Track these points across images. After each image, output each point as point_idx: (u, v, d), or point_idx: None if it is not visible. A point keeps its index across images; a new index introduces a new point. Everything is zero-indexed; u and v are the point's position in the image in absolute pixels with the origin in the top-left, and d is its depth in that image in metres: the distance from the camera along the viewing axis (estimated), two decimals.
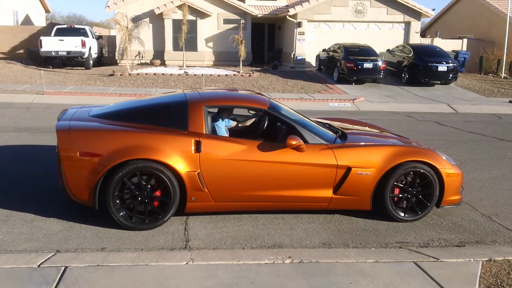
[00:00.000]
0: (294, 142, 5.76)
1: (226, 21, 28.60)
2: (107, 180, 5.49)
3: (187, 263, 4.73)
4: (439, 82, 23.76)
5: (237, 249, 5.32)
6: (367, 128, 7.71)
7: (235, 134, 6.80)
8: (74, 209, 6.09)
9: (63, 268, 4.49)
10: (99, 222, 5.77)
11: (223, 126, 6.45)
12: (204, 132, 5.82)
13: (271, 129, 6.83)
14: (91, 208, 5.66)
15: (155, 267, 4.62)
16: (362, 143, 6.38)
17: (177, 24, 26.54)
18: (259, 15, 29.39)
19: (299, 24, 27.63)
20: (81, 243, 5.26)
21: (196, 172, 5.64)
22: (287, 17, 27.74)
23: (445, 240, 5.82)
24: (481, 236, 6.00)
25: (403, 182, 6.20)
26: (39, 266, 4.53)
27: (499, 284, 4.54)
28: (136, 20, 27.55)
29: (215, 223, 5.99)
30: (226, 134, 6.43)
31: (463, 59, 27.54)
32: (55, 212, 6.07)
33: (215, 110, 6.69)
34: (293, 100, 17.97)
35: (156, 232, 5.62)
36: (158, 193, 5.63)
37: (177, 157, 5.57)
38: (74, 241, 5.31)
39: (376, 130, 7.67)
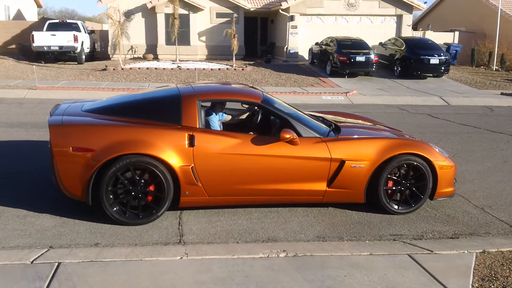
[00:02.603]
0: (287, 136, 5.75)
1: (219, 15, 28.52)
2: (100, 175, 5.46)
3: (181, 257, 4.72)
4: (431, 74, 23.84)
5: (232, 243, 5.31)
6: (360, 121, 7.72)
7: (229, 127, 6.78)
8: (67, 204, 6.06)
9: (57, 264, 4.47)
10: (92, 217, 5.74)
11: (216, 120, 6.44)
12: (197, 126, 5.79)
13: (265, 122, 6.81)
14: (84, 203, 5.64)
15: (149, 262, 4.60)
16: (356, 136, 6.37)
17: (169, 18, 26.35)
18: (251, 9, 29.32)
19: (291, 18, 27.59)
20: (74, 239, 5.24)
21: (190, 167, 5.63)
22: (280, 10, 27.70)
23: (439, 232, 5.83)
24: (474, 228, 6.02)
25: (397, 175, 6.20)
26: (32, 262, 4.50)
27: (493, 275, 4.55)
28: (129, 14, 27.43)
29: (209, 217, 5.97)
30: (219, 128, 6.41)
31: (454, 51, 27.59)
32: (48, 207, 6.04)
33: (208, 104, 6.67)
34: (286, 94, 17.96)
35: (150, 227, 5.60)
36: (151, 188, 5.61)
37: (171, 152, 5.55)
38: (68, 236, 5.29)
39: (369, 123, 7.67)
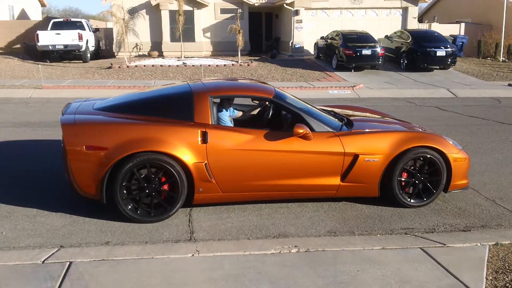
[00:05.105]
0: (301, 131, 5.72)
1: (223, 11, 28.46)
2: (114, 174, 5.44)
3: (192, 255, 4.69)
4: (437, 67, 23.73)
5: (243, 239, 5.28)
6: (369, 114, 7.68)
7: (240, 124, 6.75)
8: (76, 203, 6.06)
9: (68, 263, 4.45)
10: (102, 216, 5.74)
11: (227, 116, 6.39)
12: (210, 123, 5.77)
13: (276, 118, 6.79)
14: (94, 201, 5.63)
15: (160, 260, 4.58)
16: (369, 130, 6.33)
17: (174, 15, 26.38)
18: (256, 4, 29.22)
19: (296, 12, 27.50)
20: (84, 238, 5.22)
21: (203, 163, 5.60)
22: (284, 5, 27.59)
23: (450, 225, 5.79)
24: (486, 220, 5.97)
25: (411, 168, 6.16)
26: (43, 262, 4.49)
27: (507, 268, 4.50)
28: (133, 12, 27.43)
29: (219, 214, 5.95)
30: (230, 124, 6.37)
31: (461, 43, 27.47)
32: (58, 207, 6.03)
33: (218, 100, 6.63)
34: (292, 89, 17.90)
35: (160, 225, 5.58)
36: (166, 186, 5.60)
37: (184, 149, 5.53)
38: (78, 235, 5.28)
39: (377, 116, 7.64)
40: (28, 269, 4.36)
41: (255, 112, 7.36)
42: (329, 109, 7.39)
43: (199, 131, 5.65)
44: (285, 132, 5.93)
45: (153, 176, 5.52)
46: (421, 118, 12.70)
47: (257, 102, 7.28)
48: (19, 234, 5.29)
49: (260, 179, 5.84)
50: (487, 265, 4.57)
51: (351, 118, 6.84)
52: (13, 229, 5.42)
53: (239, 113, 7.30)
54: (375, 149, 6.01)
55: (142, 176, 5.52)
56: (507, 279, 4.31)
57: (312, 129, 5.92)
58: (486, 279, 4.31)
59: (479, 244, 5.02)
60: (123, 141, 5.44)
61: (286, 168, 5.86)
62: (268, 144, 5.78)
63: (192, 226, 5.59)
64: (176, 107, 5.98)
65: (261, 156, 5.76)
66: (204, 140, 5.62)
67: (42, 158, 8.30)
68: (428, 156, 6.10)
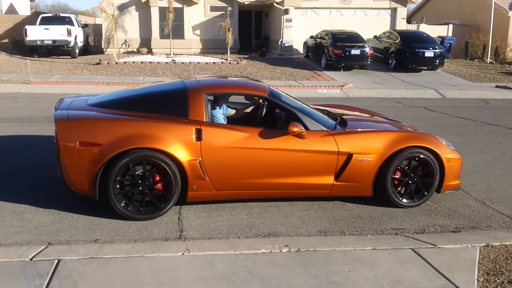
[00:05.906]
0: (296, 129, 5.71)
1: (213, 9, 28.37)
2: (107, 170, 5.38)
3: (183, 253, 4.65)
4: (426, 68, 23.88)
5: (233, 238, 5.24)
6: (357, 113, 7.70)
7: (233, 122, 6.72)
8: (65, 200, 5.99)
9: (56, 261, 4.38)
10: (91, 213, 5.67)
11: (220, 114, 6.35)
12: (204, 120, 5.73)
13: (270, 116, 6.77)
14: (83, 198, 5.56)
15: (150, 258, 4.52)
16: (363, 129, 6.33)
17: (163, 11, 26.22)
18: (246, 2, 29.13)
19: (286, 11, 27.47)
20: (73, 235, 5.15)
21: (198, 161, 5.56)
22: (274, 4, 27.55)
23: (440, 226, 5.80)
24: (476, 221, 5.99)
25: (405, 167, 6.16)
26: (31, 259, 4.42)
27: (498, 269, 4.51)
28: (122, 8, 27.26)
29: (209, 212, 5.91)
30: (224, 122, 6.34)
31: (448, 44, 27.60)
32: (46, 203, 5.95)
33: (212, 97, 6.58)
34: (282, 87, 17.80)
35: (149, 223, 5.53)
36: (160, 184, 5.55)
37: (179, 146, 5.49)
38: (66, 233, 5.21)
39: (369, 115, 7.65)
40: (16, 266, 4.30)
41: (249, 110, 7.33)
42: (323, 108, 7.38)
43: (194, 128, 5.61)
44: (280, 131, 5.92)
45: (147, 173, 5.47)
46: (409, 118, 12.69)
47: (250, 100, 7.25)
48: (6, 230, 5.21)
49: (255, 177, 5.81)
50: (478, 266, 4.57)
51: (345, 117, 6.84)
52: (0, 225, 5.33)
53: (232, 111, 7.26)
54: (369, 148, 6.01)
55: (137, 173, 5.47)
56: (498, 281, 4.31)
57: (306, 128, 5.91)
58: (478, 280, 4.31)
59: (469, 246, 5.03)
60: (117, 137, 5.38)
61: (281, 166, 5.84)
62: (263, 142, 5.76)
63: (181, 225, 5.54)
64: (170, 104, 5.94)
65: (255, 154, 5.74)
66: (199, 137, 5.58)
67: (30, 153, 8.20)
68: (422, 156, 6.11)
